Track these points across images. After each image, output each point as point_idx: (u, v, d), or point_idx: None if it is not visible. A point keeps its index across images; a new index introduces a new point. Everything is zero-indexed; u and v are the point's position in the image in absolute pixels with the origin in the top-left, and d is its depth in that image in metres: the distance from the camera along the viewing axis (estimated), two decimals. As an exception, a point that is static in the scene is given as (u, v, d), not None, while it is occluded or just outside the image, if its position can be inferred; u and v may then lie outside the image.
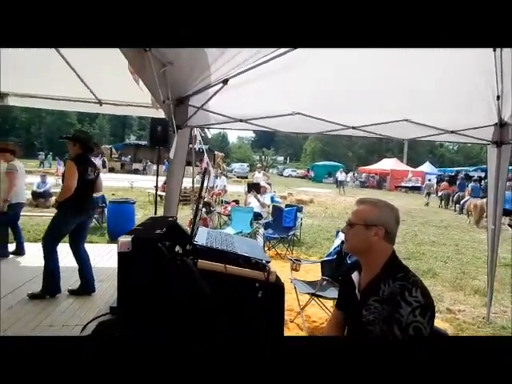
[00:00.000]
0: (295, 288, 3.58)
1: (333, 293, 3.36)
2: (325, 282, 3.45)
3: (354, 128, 3.79)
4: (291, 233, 6.74)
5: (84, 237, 3.90)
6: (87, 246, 3.88)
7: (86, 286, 3.73)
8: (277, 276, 1.37)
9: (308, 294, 3.52)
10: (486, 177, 9.53)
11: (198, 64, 2.38)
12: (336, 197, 19.71)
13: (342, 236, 4.04)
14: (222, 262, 1.27)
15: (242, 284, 1.23)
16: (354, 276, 1.52)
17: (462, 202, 14.63)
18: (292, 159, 65.00)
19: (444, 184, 19.05)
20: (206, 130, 6.46)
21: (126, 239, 1.20)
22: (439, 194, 18.43)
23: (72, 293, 3.69)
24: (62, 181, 3.68)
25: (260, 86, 2.82)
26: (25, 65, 4.38)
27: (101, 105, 5.45)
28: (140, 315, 1.31)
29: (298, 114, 3.50)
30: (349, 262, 3.25)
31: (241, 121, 3.69)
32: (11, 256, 4.99)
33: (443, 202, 17.50)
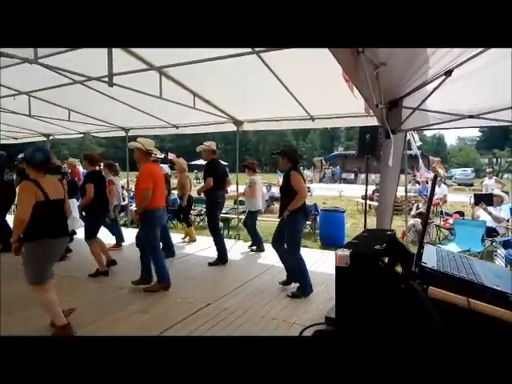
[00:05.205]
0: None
1: None
2: None
3: None
4: (548, 256, 5.04)
5: None
6: (302, 250, 4.14)
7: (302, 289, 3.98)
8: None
9: None
10: None
11: (415, 59, 2.10)
12: None
13: None
14: (460, 294, 1.00)
15: (495, 329, 0.92)
16: None
17: None
18: (540, 159, 49.85)
19: None
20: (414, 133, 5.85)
21: (343, 253, 1.14)
22: None
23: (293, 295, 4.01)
24: (281, 191, 4.03)
25: (493, 73, 2.22)
26: (253, 95, 5.29)
27: (313, 120, 5.95)
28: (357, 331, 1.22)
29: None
30: None
31: (470, 117, 3.05)
32: (251, 252, 5.97)
33: None
